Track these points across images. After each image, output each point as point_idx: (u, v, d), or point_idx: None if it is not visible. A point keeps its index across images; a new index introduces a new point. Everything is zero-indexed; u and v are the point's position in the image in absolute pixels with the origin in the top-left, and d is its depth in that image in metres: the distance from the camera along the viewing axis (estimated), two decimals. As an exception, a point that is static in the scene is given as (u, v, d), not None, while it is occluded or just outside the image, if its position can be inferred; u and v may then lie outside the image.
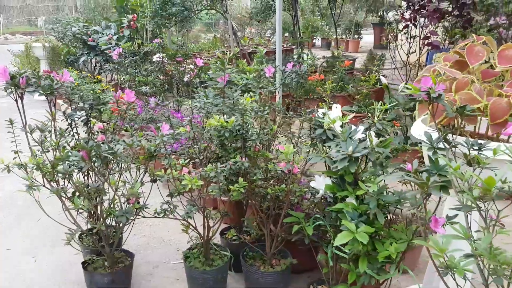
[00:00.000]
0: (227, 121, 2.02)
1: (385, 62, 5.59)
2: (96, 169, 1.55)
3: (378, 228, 1.57)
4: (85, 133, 2.24)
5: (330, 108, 2.75)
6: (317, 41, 13.26)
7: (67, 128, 2.14)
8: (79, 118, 2.20)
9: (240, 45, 6.63)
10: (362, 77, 3.03)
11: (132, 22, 5.87)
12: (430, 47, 3.19)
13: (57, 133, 1.98)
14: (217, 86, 2.38)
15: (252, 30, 12.42)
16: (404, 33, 4.20)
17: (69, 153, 1.99)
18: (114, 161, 1.71)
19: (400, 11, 4.28)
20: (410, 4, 3.23)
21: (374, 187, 1.57)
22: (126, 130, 4.30)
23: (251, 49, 8.49)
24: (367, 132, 1.74)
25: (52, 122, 2.05)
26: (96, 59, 6.81)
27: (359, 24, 11.58)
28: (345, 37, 11.97)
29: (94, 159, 1.59)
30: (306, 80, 3.19)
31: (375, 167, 1.68)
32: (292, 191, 1.95)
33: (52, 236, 2.88)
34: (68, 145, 2.13)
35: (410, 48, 4.44)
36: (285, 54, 9.55)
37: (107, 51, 5.86)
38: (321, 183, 1.82)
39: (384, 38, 11.55)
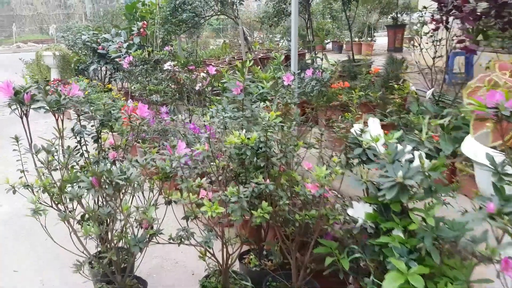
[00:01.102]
0: (248, 138, 1.81)
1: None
2: (107, 196, 1.37)
3: (431, 267, 1.34)
4: (95, 150, 2.05)
5: (359, 119, 2.53)
6: (328, 44, 13.02)
7: (76, 146, 1.95)
8: (88, 135, 2.01)
9: (251, 50, 6.44)
10: (395, 85, 2.79)
11: (142, 30, 5.72)
12: (464, 51, 2.95)
13: (65, 152, 1.79)
14: (235, 97, 2.18)
15: (261, 34, 12.25)
16: (431, 35, 3.96)
17: (78, 174, 1.80)
18: (127, 186, 1.52)
19: (423, 13, 4.05)
20: (442, 5, 3.00)
21: (430, 220, 1.34)
22: (138, 142, 4.13)
23: (262, 54, 8.30)
24: (417, 153, 1.52)
25: (60, 140, 1.87)
26: (106, 67, 6.68)
27: (372, 26, 11.32)
28: (358, 40, 11.71)
29: (105, 185, 1.40)
30: (328, 88, 2.97)
31: (428, 195, 1.46)
32: (323, 217, 1.73)
33: (61, 257, 2.70)
34: (77, 164, 1.95)
35: (436, 52, 4.19)
36: (297, 59, 9.37)
37: (117, 59, 5.72)
38: (359, 210, 1.60)
39: (399, 40, 11.23)
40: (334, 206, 1.73)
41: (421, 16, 4.01)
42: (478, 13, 2.82)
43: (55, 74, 7.29)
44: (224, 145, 1.84)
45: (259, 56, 7.40)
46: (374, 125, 1.72)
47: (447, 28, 3.21)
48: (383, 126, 2.95)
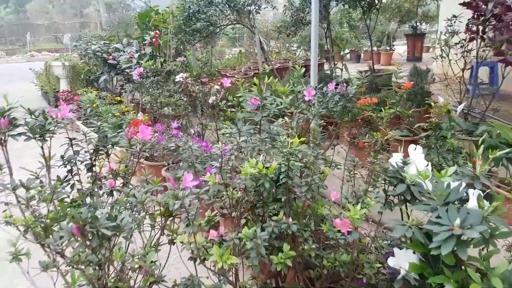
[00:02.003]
0: (267, 167, 1.54)
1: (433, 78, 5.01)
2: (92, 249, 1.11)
3: None
4: (89, 179, 1.80)
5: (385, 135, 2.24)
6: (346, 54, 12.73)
7: (66, 176, 1.70)
8: (81, 162, 1.76)
9: (268, 60, 6.19)
10: (432, 102, 2.50)
11: (154, 39, 5.52)
12: (490, 61, 2.64)
13: (53, 185, 1.54)
14: (252, 117, 1.92)
15: (278, 44, 12.03)
16: (461, 46, 3.66)
17: (67, 211, 1.55)
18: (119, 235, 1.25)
19: (452, 22, 3.74)
20: (479, 14, 2.70)
21: (496, 282, 1.05)
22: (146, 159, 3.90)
23: (279, 65, 8.06)
24: (473, 191, 1.23)
25: (47, 171, 1.62)
26: (117, 78, 6.50)
27: (391, 35, 11.00)
28: (376, 49, 11.39)
29: (89, 235, 1.14)
30: (353, 104, 2.69)
31: (485, 242, 1.17)
32: (357, 264, 1.44)
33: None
34: (68, 196, 1.69)
35: (466, 63, 3.88)
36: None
37: (128, 70, 5.53)
38: (402, 259, 1.31)
39: (418, 49, 10.90)
40: (369, 248, 1.44)
41: (450, 26, 3.70)
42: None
43: (64, 84, 7.15)
44: (239, 176, 1.57)
45: (276, 66, 7.15)
46: (416, 155, 1.43)
47: (483, 39, 2.90)
48: (407, 142, 2.65)
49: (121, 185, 1.92)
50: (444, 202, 1.20)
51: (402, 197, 1.33)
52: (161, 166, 3.72)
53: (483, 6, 2.71)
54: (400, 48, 12.43)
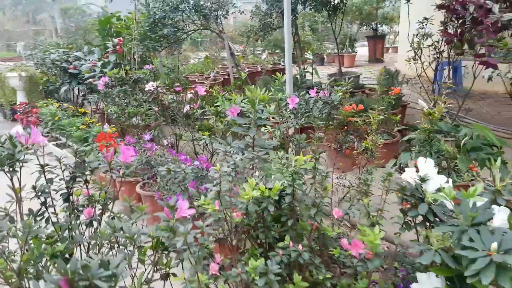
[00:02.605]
0: (269, 188, 1.41)
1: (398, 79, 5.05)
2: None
3: None
4: (65, 210, 1.59)
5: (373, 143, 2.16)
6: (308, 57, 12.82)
7: (40, 209, 1.49)
8: (56, 192, 1.55)
9: (238, 66, 6.06)
10: (425, 110, 2.46)
11: (118, 46, 5.25)
12: (485, 66, 2.65)
13: (27, 223, 1.33)
14: (244, 132, 1.78)
15: (242, 47, 11.93)
16: (434, 48, 3.69)
17: (43, 249, 1.35)
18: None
19: (424, 24, 3.76)
20: (458, 16, 2.70)
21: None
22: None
23: (248, 69, 7.94)
24: (500, 209, 1.15)
25: (17, 205, 1.41)
26: (79, 88, 6.15)
27: (354, 37, 11.17)
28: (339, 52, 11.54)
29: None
30: (338, 111, 2.61)
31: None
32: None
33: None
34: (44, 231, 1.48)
35: (435, 64, 3.93)
36: (281, 73, 9.03)
37: (91, 80, 5.22)
38: (426, 285, 1.21)
39: (379, 51, 11.04)
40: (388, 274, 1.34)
41: (422, 28, 3.72)
42: (499, 25, 2.53)
43: (21, 96, 6.69)
44: (238, 199, 1.42)
45: (246, 71, 7.03)
46: (429, 169, 1.35)
47: (461, 42, 2.91)
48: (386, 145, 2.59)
49: (100, 211, 1.72)
50: (472, 223, 1.12)
51: (422, 217, 1.23)
52: (134, 183, 3.49)
53: (460, 9, 2.71)
54: (362, 50, 12.66)
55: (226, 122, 3.21)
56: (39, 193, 1.49)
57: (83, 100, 6.55)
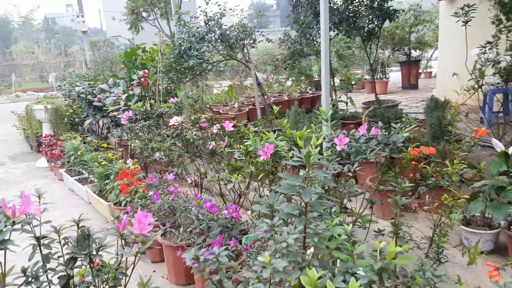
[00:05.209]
0: None
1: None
2: None
3: None
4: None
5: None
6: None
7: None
8: (54, 273, 1.23)
9: (265, 96, 5.78)
10: (500, 151, 2.05)
11: (143, 79, 5.07)
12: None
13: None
14: (296, 194, 1.41)
15: (267, 76, 11.74)
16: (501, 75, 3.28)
17: None
18: None
19: (486, 49, 3.36)
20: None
21: None
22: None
23: (274, 99, 7.66)
24: None
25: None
26: (103, 121, 5.99)
27: (386, 63, 10.78)
28: (370, 78, 11.15)
29: None
30: (400, 153, 2.19)
31: None
32: None
33: None
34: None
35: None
36: (310, 102, 8.68)
37: (115, 113, 5.04)
38: None
39: (414, 77, 10.63)
40: None
41: (484, 53, 3.31)
42: None
43: (47, 129, 6.61)
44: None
45: (272, 100, 6.75)
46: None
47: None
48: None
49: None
50: None
51: None
52: (155, 229, 3.17)
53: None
54: (393, 76, 12.24)
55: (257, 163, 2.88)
56: (31, 279, 1.17)
57: (107, 133, 6.39)
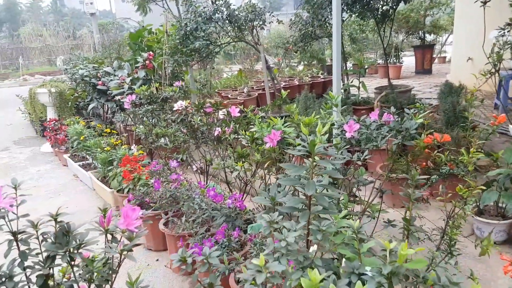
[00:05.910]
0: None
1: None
2: None
3: None
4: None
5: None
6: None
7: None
8: (31, 271, 1.09)
9: (275, 81, 5.58)
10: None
11: (147, 61, 4.90)
12: None
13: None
14: (298, 185, 1.26)
15: (278, 60, 11.47)
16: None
17: None
18: None
19: (506, 31, 3.13)
20: None
21: None
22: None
23: (284, 83, 7.45)
24: None
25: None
26: (107, 105, 5.85)
27: (399, 47, 10.45)
28: (383, 62, 10.83)
29: None
30: (413, 140, 2.02)
31: None
32: None
33: None
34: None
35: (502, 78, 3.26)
36: (322, 87, 8.42)
37: (119, 97, 4.89)
38: None
39: (428, 61, 10.32)
40: None
41: (503, 35, 3.08)
42: None
43: (51, 113, 6.50)
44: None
45: (282, 85, 6.54)
46: None
47: None
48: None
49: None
50: None
51: None
52: (158, 217, 3.04)
53: None
54: (407, 61, 11.89)
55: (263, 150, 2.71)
56: (5, 279, 1.03)
57: (112, 118, 6.26)
